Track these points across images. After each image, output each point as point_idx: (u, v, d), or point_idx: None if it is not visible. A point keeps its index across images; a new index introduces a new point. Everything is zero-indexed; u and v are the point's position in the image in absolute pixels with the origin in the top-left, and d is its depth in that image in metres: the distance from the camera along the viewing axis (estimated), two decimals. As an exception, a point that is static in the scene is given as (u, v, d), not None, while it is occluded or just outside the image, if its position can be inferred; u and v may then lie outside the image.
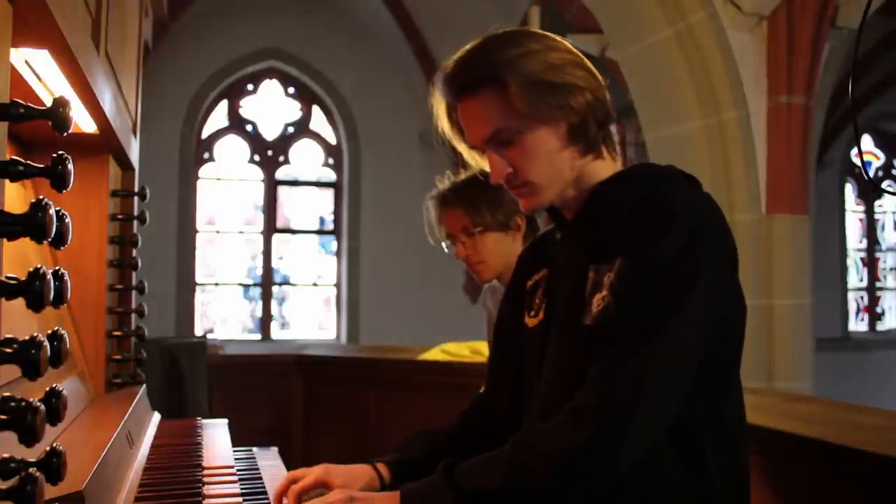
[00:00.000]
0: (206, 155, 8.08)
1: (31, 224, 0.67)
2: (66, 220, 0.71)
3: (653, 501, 1.18)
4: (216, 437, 1.74)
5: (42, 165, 0.70)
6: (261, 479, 1.43)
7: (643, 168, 1.33)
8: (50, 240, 0.69)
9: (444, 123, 1.32)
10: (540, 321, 1.33)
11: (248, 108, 8.20)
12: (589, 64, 1.26)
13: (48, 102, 0.72)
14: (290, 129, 8.32)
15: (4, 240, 0.69)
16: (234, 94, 8.11)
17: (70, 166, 0.72)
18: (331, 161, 8.39)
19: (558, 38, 1.27)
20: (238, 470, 1.47)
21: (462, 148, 1.34)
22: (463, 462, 1.17)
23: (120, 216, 1.71)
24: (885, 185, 10.33)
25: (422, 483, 1.18)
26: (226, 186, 8.17)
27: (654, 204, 1.18)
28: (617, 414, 1.09)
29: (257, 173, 8.22)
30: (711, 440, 1.19)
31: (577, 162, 1.25)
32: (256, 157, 8.21)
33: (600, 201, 1.25)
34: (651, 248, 1.14)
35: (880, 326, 10.07)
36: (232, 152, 8.19)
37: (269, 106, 8.24)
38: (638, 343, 1.11)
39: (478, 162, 1.34)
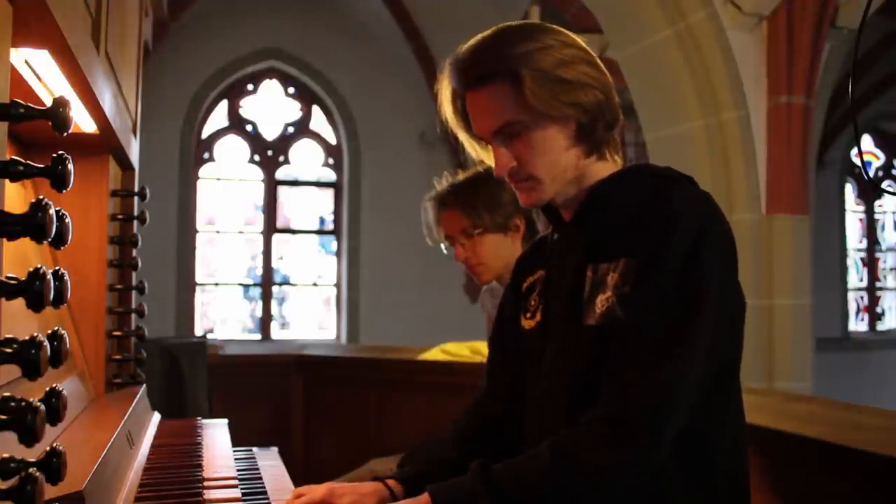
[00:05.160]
0: (206, 155, 8.08)
1: (31, 224, 0.67)
2: (66, 220, 0.71)
3: (660, 502, 1.18)
4: (216, 437, 1.74)
5: (42, 165, 0.70)
6: (261, 479, 1.43)
7: (641, 168, 1.32)
8: (50, 240, 0.69)
9: (447, 109, 1.30)
10: (537, 322, 1.32)
11: (248, 108, 8.21)
12: (600, 63, 1.25)
13: (48, 102, 0.72)
14: (290, 129, 8.32)
15: (4, 240, 0.69)
16: (234, 94, 8.11)
17: (70, 166, 0.72)
18: (331, 161, 8.39)
19: (571, 33, 1.25)
20: (238, 470, 1.47)
21: (463, 137, 1.32)
22: (495, 464, 1.14)
23: (120, 216, 1.71)
24: (885, 185, 10.32)
25: (453, 484, 1.15)
26: (226, 186, 8.17)
27: (656, 203, 1.17)
28: (655, 426, 1.10)
29: (257, 173, 8.22)
30: (718, 440, 1.20)
31: (581, 161, 1.24)
32: (256, 157, 8.22)
33: (599, 200, 1.25)
34: (657, 249, 1.13)
35: (880, 326, 10.07)
36: (232, 152, 8.19)
37: (269, 106, 8.24)
38: (661, 349, 1.11)
39: (477, 152, 1.33)
